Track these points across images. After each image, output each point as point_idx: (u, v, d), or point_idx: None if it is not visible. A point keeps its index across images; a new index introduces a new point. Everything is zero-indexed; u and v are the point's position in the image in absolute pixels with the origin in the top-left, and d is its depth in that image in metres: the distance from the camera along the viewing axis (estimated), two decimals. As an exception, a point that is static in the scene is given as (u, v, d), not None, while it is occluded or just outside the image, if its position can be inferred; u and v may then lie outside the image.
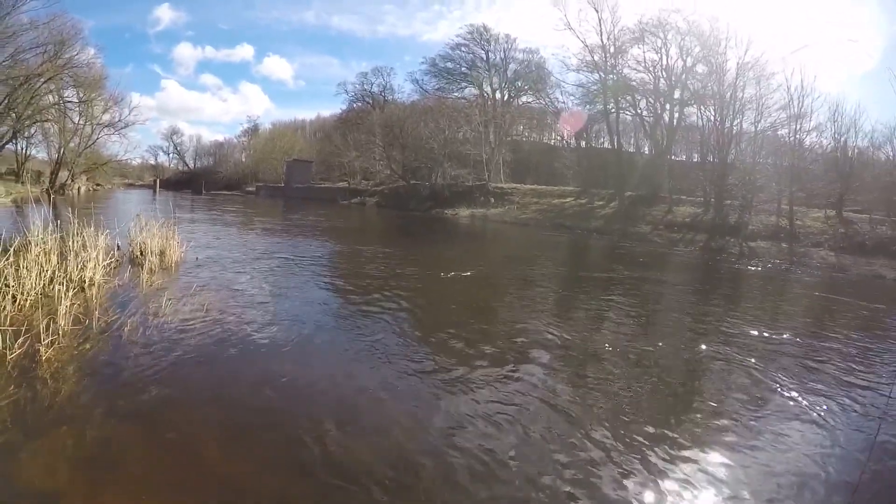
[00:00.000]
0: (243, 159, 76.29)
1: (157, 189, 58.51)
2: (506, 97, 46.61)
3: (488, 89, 46.72)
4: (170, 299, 8.00)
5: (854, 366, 7.71)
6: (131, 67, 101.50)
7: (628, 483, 4.32)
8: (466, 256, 19.75)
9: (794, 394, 6.44)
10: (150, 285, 9.22)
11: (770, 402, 6.20)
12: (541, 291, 12.83)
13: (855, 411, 6.01)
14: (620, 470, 4.49)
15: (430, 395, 5.77)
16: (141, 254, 11.04)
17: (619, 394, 6.13)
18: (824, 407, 6.05)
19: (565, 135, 36.07)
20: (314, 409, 5.20)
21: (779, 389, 6.57)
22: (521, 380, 6.32)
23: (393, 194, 47.05)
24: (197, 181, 70.10)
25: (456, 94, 48.63)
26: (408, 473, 4.22)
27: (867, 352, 8.76)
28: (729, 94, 34.26)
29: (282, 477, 4.05)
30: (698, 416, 5.75)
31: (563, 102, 45.34)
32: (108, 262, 9.31)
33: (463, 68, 47.79)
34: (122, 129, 48.53)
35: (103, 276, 8.87)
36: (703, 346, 8.29)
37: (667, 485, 4.33)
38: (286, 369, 6.04)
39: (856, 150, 34.15)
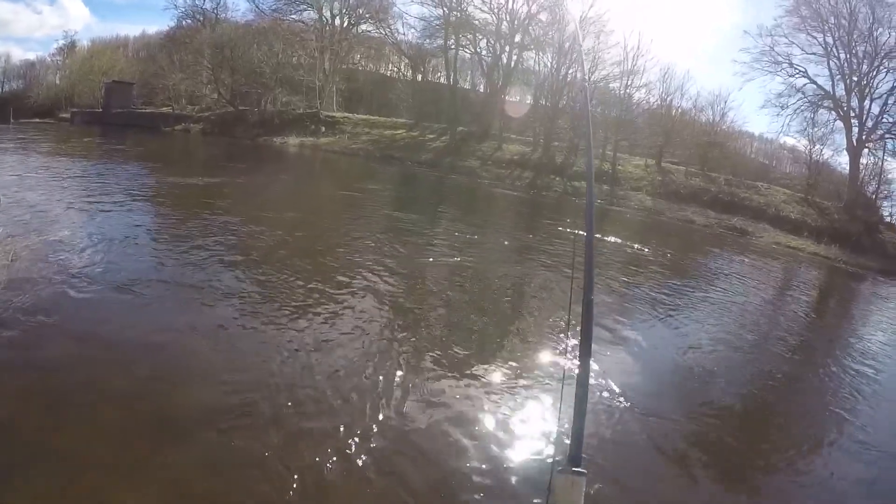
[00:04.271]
0: (57, 81, 64.83)
1: (-42, 121, 47.32)
2: (345, 24, 42.35)
3: (328, 14, 41.97)
4: (-30, 249, 6.68)
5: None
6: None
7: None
8: (286, 183, 20.23)
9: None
10: (-54, 236, 7.51)
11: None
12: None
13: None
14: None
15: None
16: (-66, 196, 9.06)
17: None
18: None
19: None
20: (137, 362, 4.49)
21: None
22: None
23: (219, 121, 41.30)
24: (4, 108, 58.69)
25: (294, 16, 43.28)
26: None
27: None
28: (568, 44, 33.85)
29: (113, 441, 3.48)
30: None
31: (404, 34, 42.62)
32: None
33: (304, -10, 42.96)
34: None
35: None
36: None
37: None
38: (104, 318, 5.35)
39: (679, 111, 35.61)
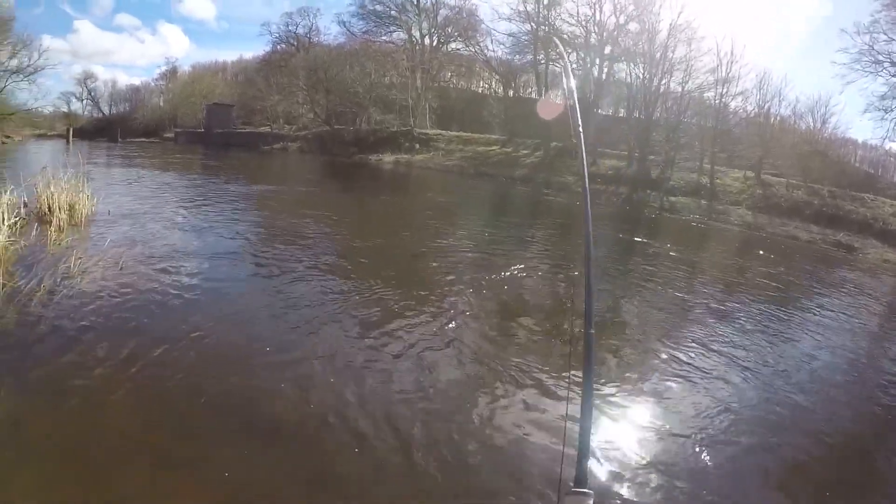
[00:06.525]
0: (161, 104, 69.07)
1: (71, 139, 51.67)
2: (435, 43, 43.32)
3: (417, 34, 43.32)
4: (80, 258, 7.24)
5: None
6: (42, 8, 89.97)
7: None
8: (384, 200, 20.36)
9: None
10: (59, 244, 8.28)
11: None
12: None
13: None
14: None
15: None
16: (49, 210, 9.80)
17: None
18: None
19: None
20: (235, 370, 4.82)
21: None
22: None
23: (316, 139, 43.19)
24: (112, 128, 62.98)
25: (384, 37, 44.97)
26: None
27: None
28: (659, 53, 33.42)
29: (203, 443, 3.76)
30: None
31: (493, 51, 43.36)
32: (12, 221, 8.09)
33: (392, 11, 43.93)
34: (31, 74, 43.17)
35: (8, 237, 7.67)
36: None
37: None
38: (205, 327, 5.61)
39: (778, 118, 34.27)
